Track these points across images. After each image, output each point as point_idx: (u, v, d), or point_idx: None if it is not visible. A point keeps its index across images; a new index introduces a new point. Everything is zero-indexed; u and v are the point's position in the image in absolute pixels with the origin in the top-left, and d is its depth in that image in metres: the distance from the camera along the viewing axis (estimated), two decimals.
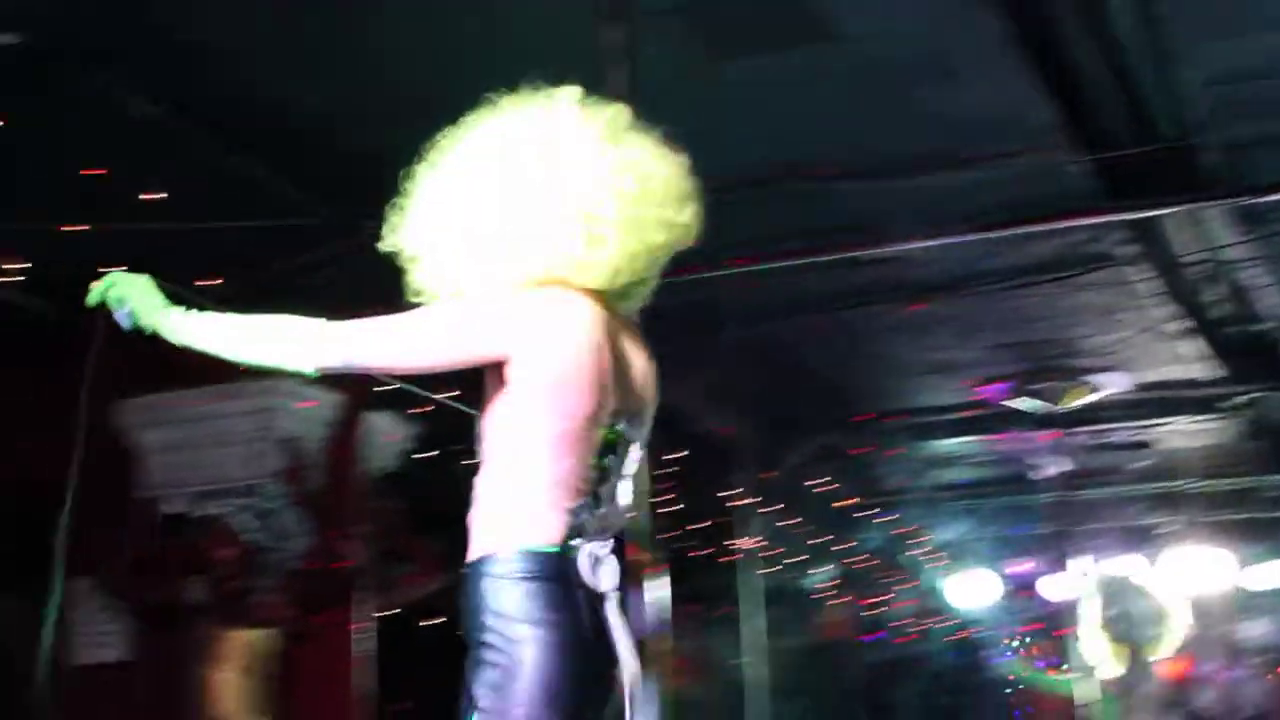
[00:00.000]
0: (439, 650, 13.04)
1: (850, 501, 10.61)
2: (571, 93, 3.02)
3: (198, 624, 6.46)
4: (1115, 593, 7.91)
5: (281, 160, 5.60)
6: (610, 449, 2.94)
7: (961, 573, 12.89)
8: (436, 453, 9.06)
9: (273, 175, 5.61)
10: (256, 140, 5.50)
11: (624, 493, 2.98)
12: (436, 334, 2.91)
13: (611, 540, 2.91)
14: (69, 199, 5.67)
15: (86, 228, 5.85)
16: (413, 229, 3.05)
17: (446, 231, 2.99)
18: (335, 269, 6.37)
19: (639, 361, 3.06)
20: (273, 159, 5.59)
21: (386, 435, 7.22)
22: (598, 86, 3.14)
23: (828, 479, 10.24)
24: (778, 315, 7.38)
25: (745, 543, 8.86)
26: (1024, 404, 8.97)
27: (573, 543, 2.84)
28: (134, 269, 6.16)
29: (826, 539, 10.63)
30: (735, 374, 7.66)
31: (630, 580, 3.88)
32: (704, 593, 10.97)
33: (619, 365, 2.94)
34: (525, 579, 2.81)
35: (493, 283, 2.94)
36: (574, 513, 2.86)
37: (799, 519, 10.24)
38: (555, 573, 2.83)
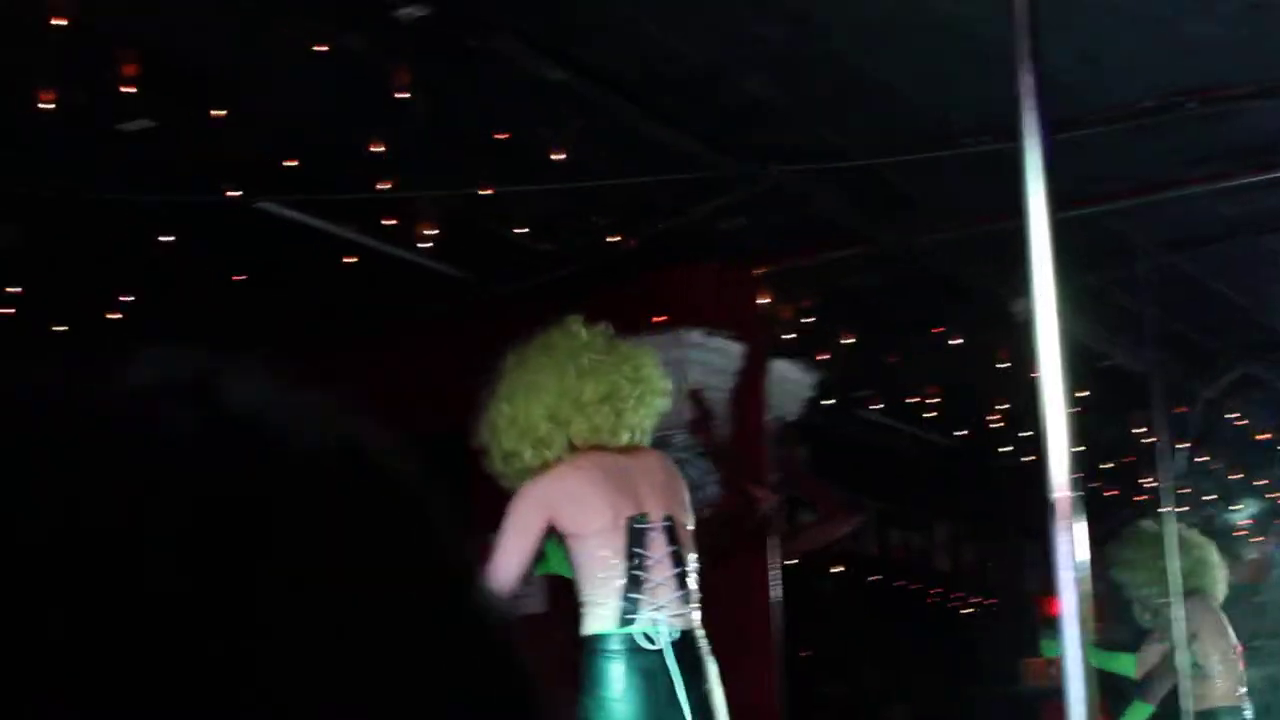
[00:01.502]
0: (840, 598, 13.11)
1: (1269, 435, 10.12)
2: (577, 319, 4.59)
3: None
4: None
5: (676, 115, 5.67)
6: (639, 542, 4.33)
7: None
8: (839, 399, 9.07)
9: (668, 130, 5.68)
10: (651, 97, 5.57)
11: (684, 564, 4.44)
12: (515, 543, 4.25)
13: (676, 604, 4.34)
14: (480, 162, 5.89)
15: (491, 191, 6.07)
16: (491, 426, 4.47)
17: (515, 425, 4.42)
18: (742, 217, 6.44)
19: (655, 475, 4.54)
20: (667, 115, 5.65)
21: (791, 382, 7.25)
22: (1000, 17, 3.17)
23: (1244, 412, 9.80)
24: (1189, 243, 7.08)
25: (1158, 481, 8.55)
26: None
27: (629, 617, 4.25)
28: (543, 229, 6.37)
29: (1245, 475, 10.18)
30: (1146, 306, 7.39)
31: (1051, 520, 3.80)
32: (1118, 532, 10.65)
33: (623, 484, 4.38)
34: (592, 654, 4.25)
35: (550, 456, 4.40)
36: (620, 599, 4.25)
37: (1214, 455, 9.84)
38: (611, 648, 4.24)
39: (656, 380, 4.67)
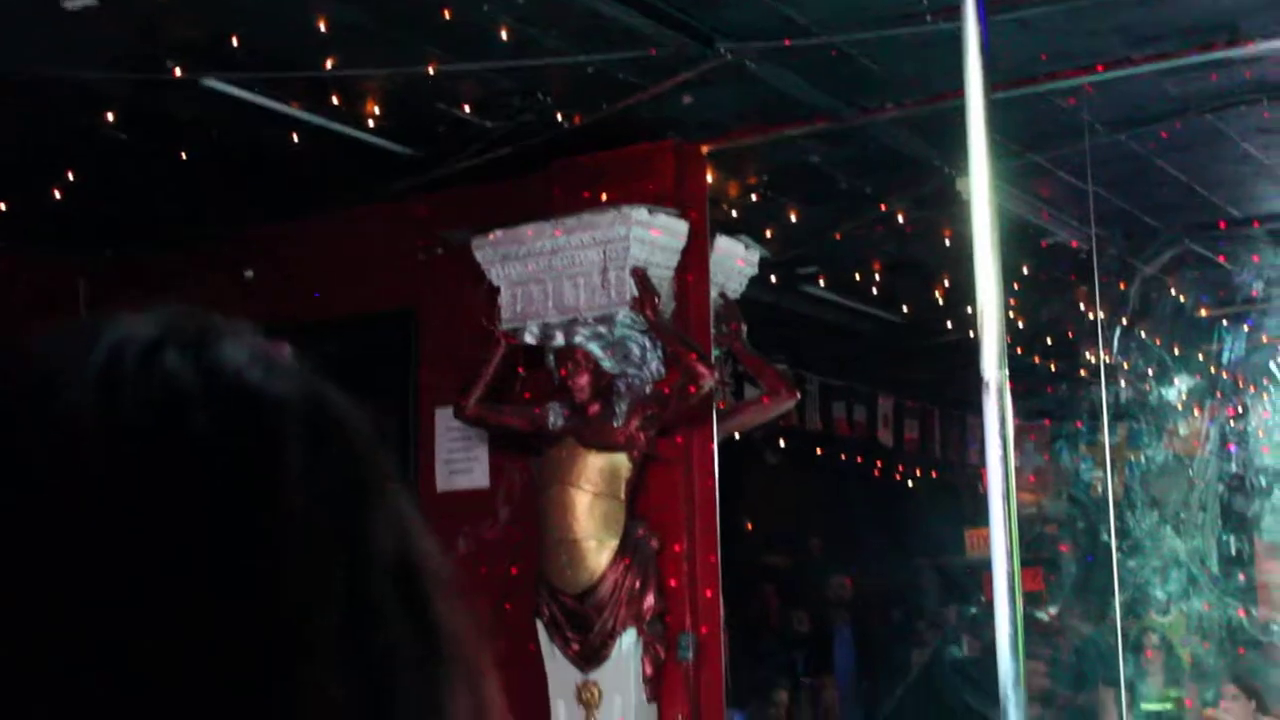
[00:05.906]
0: (781, 472, 13.24)
1: (1207, 311, 10.26)
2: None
3: (554, 448, 6.72)
4: None
5: None
6: None
7: None
8: (783, 276, 9.14)
9: (619, 9, 5.66)
10: None
11: None
12: None
13: None
14: (433, 42, 5.88)
15: (433, 69, 6.06)
16: None
17: None
18: (689, 95, 6.44)
19: None
20: None
21: (735, 258, 7.30)
22: None
23: (1184, 288, 9.93)
24: (1134, 122, 7.14)
25: (1097, 355, 8.69)
26: None
27: None
28: (491, 108, 6.31)
29: (1182, 350, 10.33)
30: (1090, 183, 7.45)
31: (985, 396, 3.88)
32: (1054, 407, 10.82)
33: None
34: None
35: None
36: None
37: (1154, 330, 9.98)
38: None
39: None
